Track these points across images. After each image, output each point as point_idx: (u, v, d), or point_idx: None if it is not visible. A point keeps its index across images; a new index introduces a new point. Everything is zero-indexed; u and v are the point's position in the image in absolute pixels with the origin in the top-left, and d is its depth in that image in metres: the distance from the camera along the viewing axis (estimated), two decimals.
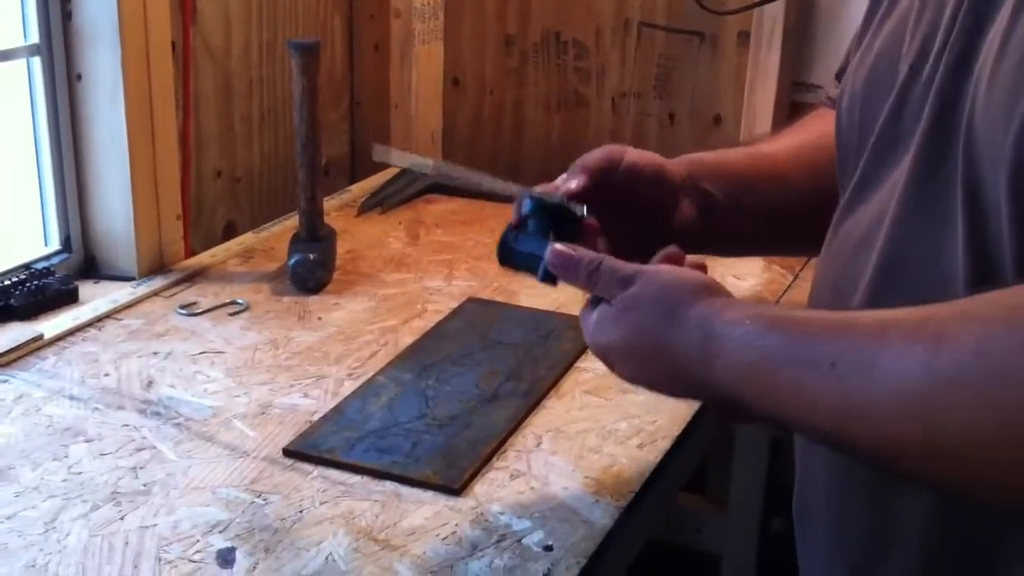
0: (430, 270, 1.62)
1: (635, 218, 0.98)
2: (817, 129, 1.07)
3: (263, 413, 1.21)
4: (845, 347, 0.66)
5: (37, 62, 1.49)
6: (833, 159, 1.04)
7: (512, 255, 0.94)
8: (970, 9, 0.74)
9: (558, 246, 0.87)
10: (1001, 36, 0.70)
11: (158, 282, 1.53)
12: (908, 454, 0.63)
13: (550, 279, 0.89)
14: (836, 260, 0.86)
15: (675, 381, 0.79)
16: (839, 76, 1.05)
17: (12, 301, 1.39)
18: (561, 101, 2.06)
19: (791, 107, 1.87)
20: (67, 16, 1.49)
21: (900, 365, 0.62)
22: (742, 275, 1.62)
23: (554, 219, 0.91)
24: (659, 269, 0.83)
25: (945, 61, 0.75)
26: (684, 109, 1.97)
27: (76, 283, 1.48)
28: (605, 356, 0.85)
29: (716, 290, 0.80)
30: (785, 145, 1.06)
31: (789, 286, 1.59)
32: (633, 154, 1.00)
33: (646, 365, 0.81)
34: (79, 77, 1.51)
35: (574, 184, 0.95)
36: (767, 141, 1.09)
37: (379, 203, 1.86)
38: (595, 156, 0.98)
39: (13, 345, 1.30)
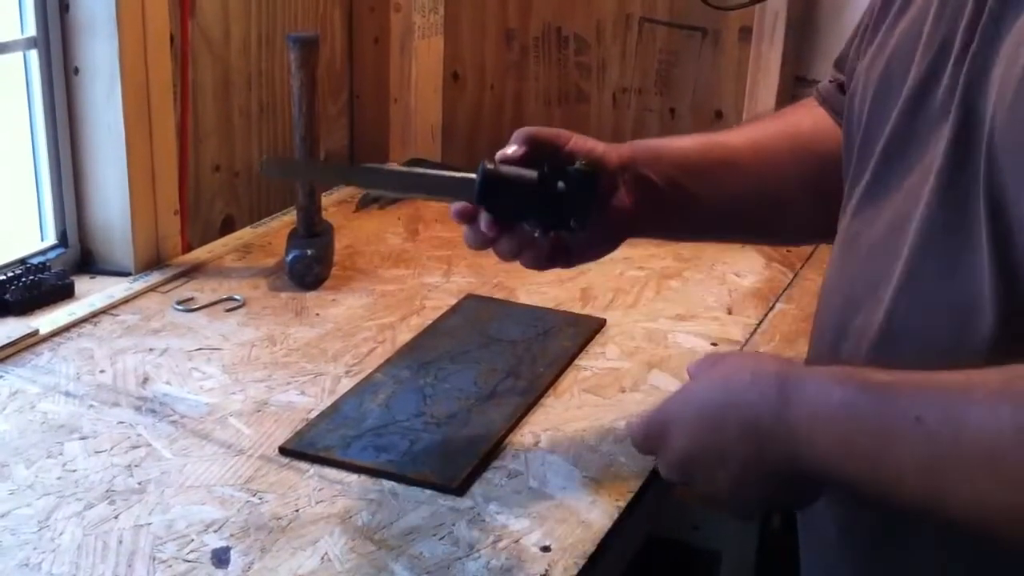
0: (429, 266, 1.61)
1: None
2: (789, 120, 1.07)
3: (259, 411, 1.20)
4: (931, 401, 0.64)
5: (34, 55, 1.48)
6: (799, 152, 1.04)
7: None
8: (991, 16, 0.73)
9: None
10: (1018, 48, 0.69)
11: (155, 277, 1.52)
12: (1000, 516, 0.62)
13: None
14: (849, 264, 0.85)
15: (741, 439, 0.74)
16: (837, 64, 1.04)
17: (7, 296, 1.38)
18: (562, 96, 2.05)
19: (793, 102, 1.86)
20: (64, 8, 1.48)
21: (989, 422, 0.61)
22: (742, 273, 1.61)
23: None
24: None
25: (967, 71, 0.74)
26: (685, 104, 1.96)
27: (72, 278, 1.47)
28: (667, 422, 0.81)
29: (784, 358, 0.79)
30: (748, 135, 1.07)
31: (790, 284, 1.58)
32: (576, 141, 1.01)
33: (714, 421, 0.76)
34: (76, 70, 1.50)
35: (510, 151, 1.00)
36: (733, 129, 1.09)
37: (378, 198, 1.85)
38: (543, 132, 1.02)
39: (7, 341, 1.29)
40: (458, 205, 1.01)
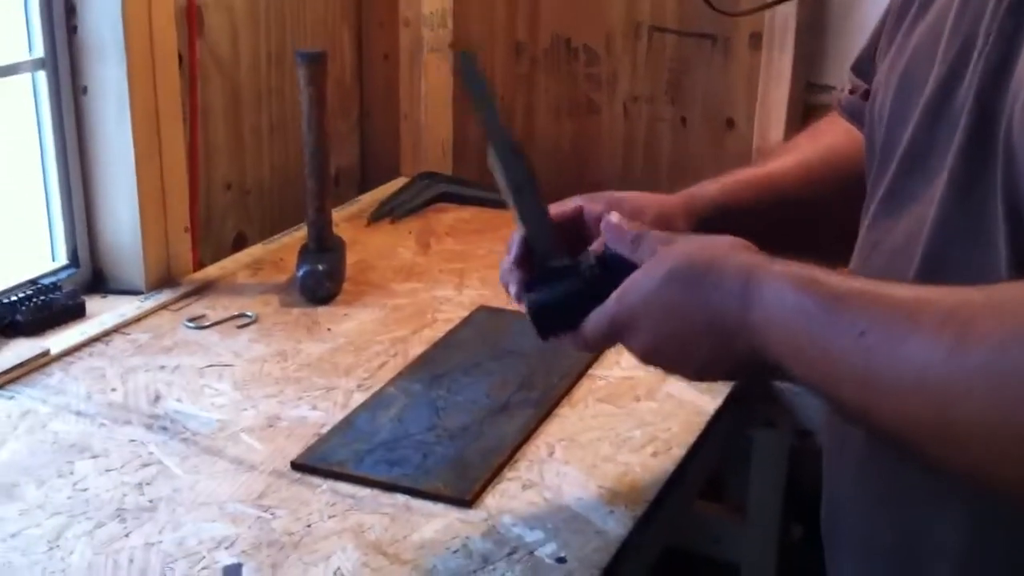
0: (440, 279, 1.60)
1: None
2: (824, 142, 1.05)
3: (271, 426, 1.19)
4: (877, 318, 0.66)
5: (42, 76, 1.48)
6: (841, 173, 1.02)
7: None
8: (1009, 14, 0.72)
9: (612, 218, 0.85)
10: None
11: (166, 295, 1.52)
12: (921, 435, 0.64)
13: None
14: (869, 269, 0.84)
15: (708, 333, 0.76)
16: (855, 69, 1.02)
17: (18, 317, 1.38)
18: (572, 107, 2.04)
19: (805, 108, 1.85)
20: (72, 30, 1.48)
21: (926, 348, 0.62)
22: None
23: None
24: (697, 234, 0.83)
25: (983, 70, 0.72)
26: (696, 113, 1.95)
27: (83, 298, 1.47)
28: (632, 317, 0.80)
29: (756, 248, 0.78)
30: (789, 163, 1.04)
31: None
32: (632, 200, 0.95)
33: (680, 315, 0.78)
34: (85, 90, 1.50)
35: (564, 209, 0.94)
36: (773, 158, 1.06)
37: (389, 212, 1.85)
38: (596, 205, 0.94)
39: (19, 361, 1.29)
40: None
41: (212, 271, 1.62)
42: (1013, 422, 0.58)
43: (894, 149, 0.82)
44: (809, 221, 1.03)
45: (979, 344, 0.60)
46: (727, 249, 0.78)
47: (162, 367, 1.32)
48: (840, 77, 1.06)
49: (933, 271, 0.75)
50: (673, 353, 0.80)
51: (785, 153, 1.06)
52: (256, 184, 1.81)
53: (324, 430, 1.17)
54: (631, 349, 0.82)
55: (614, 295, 0.81)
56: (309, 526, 1.01)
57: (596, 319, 0.83)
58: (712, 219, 0.98)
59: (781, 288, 0.72)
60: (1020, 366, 0.58)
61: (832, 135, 1.05)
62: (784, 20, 1.79)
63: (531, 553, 0.98)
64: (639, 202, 0.96)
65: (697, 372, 0.80)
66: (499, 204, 1.92)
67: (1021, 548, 0.71)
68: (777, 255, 0.82)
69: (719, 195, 1.01)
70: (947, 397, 0.61)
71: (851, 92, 1.03)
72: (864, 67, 1.00)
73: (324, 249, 1.55)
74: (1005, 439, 0.59)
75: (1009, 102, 0.69)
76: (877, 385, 0.65)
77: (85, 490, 1.07)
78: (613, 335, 0.82)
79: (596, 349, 0.88)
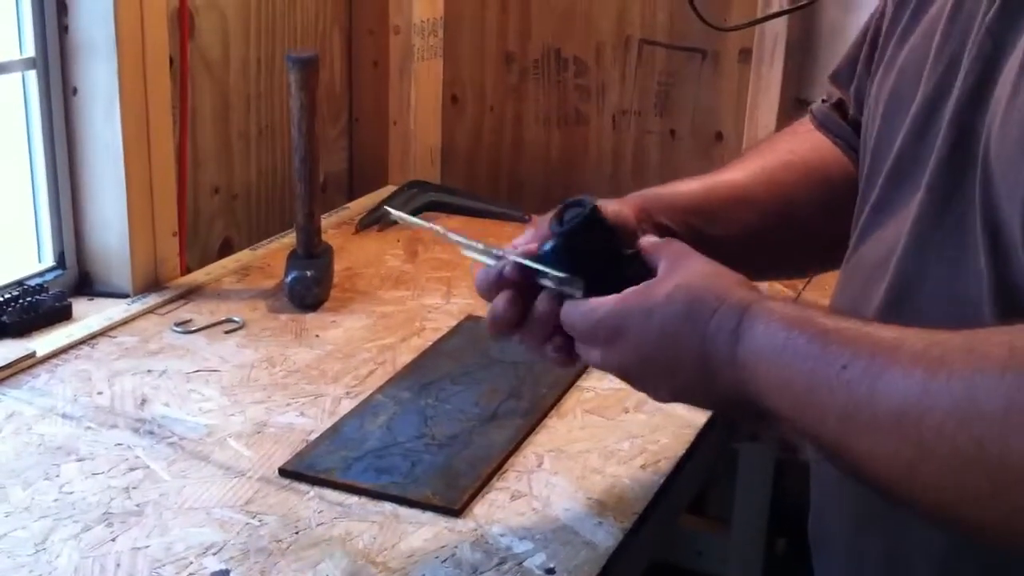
0: (428, 288, 1.60)
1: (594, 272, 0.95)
2: (784, 147, 1.04)
3: (259, 432, 1.18)
4: (858, 352, 0.67)
5: (32, 75, 1.48)
6: (801, 176, 1.02)
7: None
8: (988, 34, 0.72)
9: None
10: (1017, 68, 0.68)
11: (153, 299, 1.51)
12: (897, 472, 0.64)
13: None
14: (851, 284, 0.85)
15: (696, 360, 0.76)
16: (833, 77, 1.03)
17: (4, 318, 1.37)
18: (561, 118, 2.05)
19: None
20: (63, 30, 1.47)
21: (901, 383, 0.63)
22: None
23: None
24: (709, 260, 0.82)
25: (962, 88, 0.73)
26: (685, 126, 1.96)
27: (70, 300, 1.46)
28: (625, 325, 0.79)
29: (755, 286, 0.79)
30: (749, 169, 1.03)
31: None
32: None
33: (673, 338, 0.77)
34: (75, 91, 1.49)
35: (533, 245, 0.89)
36: (729, 166, 1.05)
37: (377, 220, 1.84)
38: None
39: (4, 363, 1.28)
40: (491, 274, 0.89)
41: (199, 276, 1.61)
42: (983, 459, 0.59)
43: (882, 164, 0.83)
44: (785, 229, 1.02)
45: (949, 382, 0.61)
46: (731, 283, 0.78)
47: (149, 371, 1.31)
48: (827, 94, 1.07)
49: (907, 284, 0.76)
50: (655, 373, 0.79)
51: (740, 162, 1.06)
52: (244, 189, 1.81)
53: (312, 437, 1.17)
54: (608, 358, 0.81)
55: (614, 298, 0.80)
56: (297, 533, 1.01)
57: (587, 312, 0.81)
58: (659, 212, 0.97)
59: (773, 324, 0.73)
60: (988, 404, 0.59)
61: (794, 142, 1.05)
62: (774, 37, 1.80)
63: (520, 564, 0.98)
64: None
65: (673, 395, 0.81)
66: (487, 214, 1.93)
67: (1003, 554, 0.71)
68: (752, 272, 0.82)
69: (667, 191, 1.00)
70: (920, 435, 0.62)
71: (824, 101, 1.04)
72: (842, 76, 1.01)
73: (313, 255, 1.55)
74: (976, 475, 0.59)
75: (988, 122, 0.70)
76: (856, 419, 0.66)
77: (71, 493, 1.06)
78: (598, 333, 0.81)
79: (575, 350, 0.85)
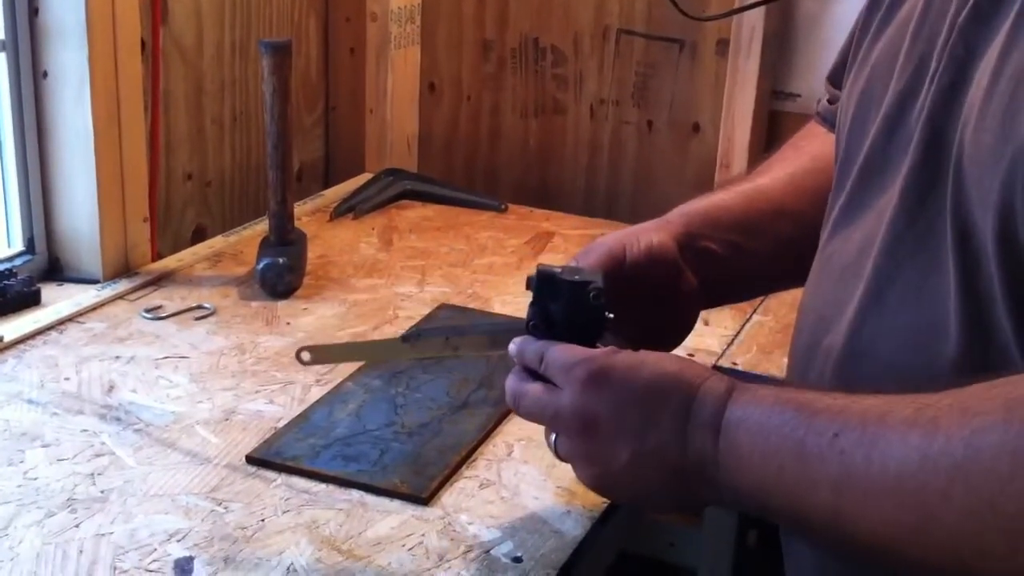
0: (402, 276, 1.59)
1: (641, 307, 0.94)
2: (808, 152, 1.04)
3: (227, 419, 1.17)
4: (849, 421, 0.66)
5: (2, 58, 1.46)
6: (827, 183, 1.02)
7: None
8: (960, 37, 0.72)
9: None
10: (991, 73, 0.68)
11: (123, 285, 1.49)
12: (901, 540, 0.63)
13: None
14: (823, 284, 0.84)
15: (673, 425, 0.75)
16: (831, 79, 1.02)
17: None
18: (539, 107, 2.04)
19: (770, 115, 1.86)
20: (34, 12, 1.46)
21: (899, 448, 0.62)
22: None
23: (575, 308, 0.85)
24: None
25: (935, 91, 0.73)
26: (663, 117, 1.95)
27: (39, 285, 1.45)
28: (602, 369, 0.78)
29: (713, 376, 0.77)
30: (779, 178, 1.03)
31: (767, 296, 1.57)
32: (635, 250, 0.94)
33: (658, 393, 0.76)
34: (45, 75, 1.47)
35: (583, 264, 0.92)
36: (761, 172, 1.05)
37: (352, 208, 1.83)
38: (597, 255, 0.93)
39: None
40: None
41: (170, 262, 1.60)
42: (996, 518, 0.58)
43: (852, 163, 0.83)
44: (803, 236, 1.02)
45: (948, 443, 0.60)
46: (709, 371, 0.77)
47: (117, 357, 1.30)
48: (804, 86, 1.06)
49: (881, 289, 0.75)
50: (626, 428, 0.77)
51: (770, 167, 1.05)
52: (217, 175, 1.79)
53: (280, 424, 1.16)
54: (578, 401, 0.79)
55: (589, 396, 0.78)
56: (263, 520, 1.00)
57: (569, 348, 0.81)
58: (702, 234, 0.97)
59: (758, 396, 0.72)
60: (994, 462, 0.58)
61: (813, 145, 1.05)
62: (751, 28, 1.79)
63: (487, 552, 0.97)
64: (623, 241, 0.94)
65: (632, 460, 0.77)
66: (463, 202, 1.92)
67: None
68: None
69: (710, 207, 1.00)
70: (924, 497, 0.61)
71: (829, 102, 1.04)
72: (838, 77, 1.00)
73: (285, 242, 1.54)
74: (991, 535, 0.58)
75: (959, 127, 0.69)
76: (853, 488, 0.65)
77: (35, 479, 1.05)
78: (575, 372, 0.79)
79: (527, 415, 0.85)
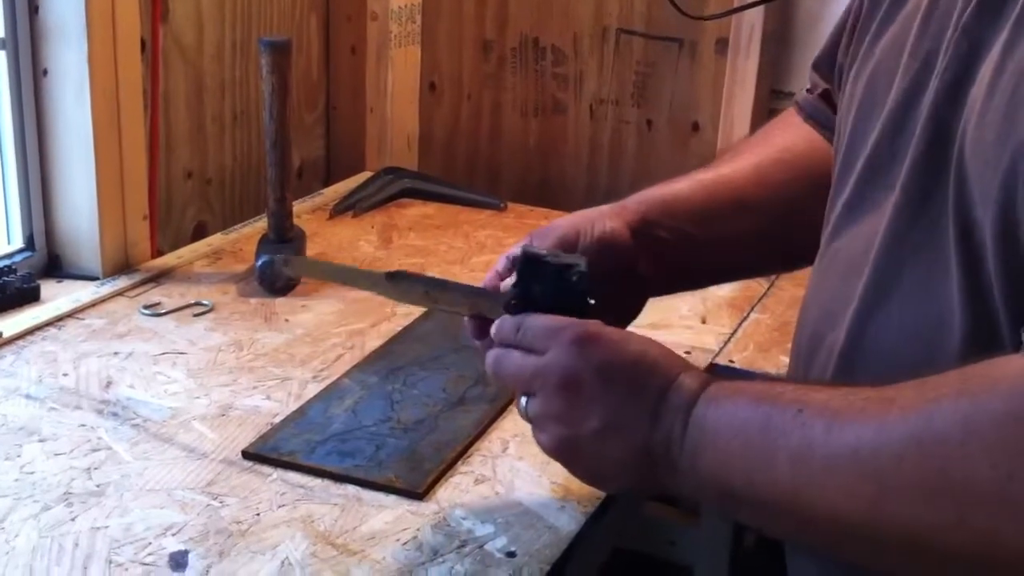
0: None
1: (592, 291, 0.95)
2: (778, 142, 1.04)
3: (223, 415, 1.18)
4: (814, 398, 0.68)
5: (2, 56, 1.47)
6: (797, 173, 1.02)
7: None
8: (965, 33, 0.72)
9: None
10: (993, 69, 0.68)
11: (122, 282, 1.50)
12: (857, 516, 0.64)
13: None
14: (827, 281, 0.84)
15: (652, 399, 0.77)
16: (816, 67, 1.02)
17: None
18: (539, 107, 2.05)
19: (769, 115, 1.85)
20: (34, 10, 1.46)
21: (858, 419, 0.64)
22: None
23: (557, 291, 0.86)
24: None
25: (938, 87, 0.73)
26: (662, 116, 1.95)
27: (38, 282, 1.45)
28: (588, 334, 0.80)
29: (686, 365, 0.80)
30: (744, 168, 1.02)
31: (764, 294, 1.57)
32: (588, 236, 0.96)
33: (645, 365, 0.78)
34: (45, 72, 1.48)
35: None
36: (724, 161, 1.05)
37: (351, 206, 1.84)
38: (550, 240, 0.95)
39: None
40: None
41: (170, 259, 1.61)
42: (946, 486, 0.59)
43: (856, 160, 0.83)
44: (779, 230, 1.02)
45: (905, 413, 0.62)
46: (682, 364, 0.80)
47: (115, 353, 1.30)
48: (803, 85, 1.06)
49: (885, 284, 0.75)
50: (603, 392, 0.78)
51: (737, 155, 1.05)
52: (217, 173, 1.80)
53: (277, 420, 1.16)
54: (558, 361, 0.80)
55: (569, 359, 0.80)
56: (258, 515, 1.01)
57: (552, 318, 0.82)
58: (657, 222, 0.98)
59: (729, 386, 0.76)
60: (946, 431, 0.60)
61: (786, 135, 1.04)
62: (750, 27, 1.80)
63: (481, 547, 0.98)
64: (577, 227, 0.96)
65: (603, 425, 0.78)
66: (463, 201, 1.92)
67: None
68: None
69: (667, 195, 1.00)
70: (882, 467, 0.62)
71: (810, 92, 1.03)
72: (824, 66, 1.00)
73: (284, 240, 1.54)
74: (942, 504, 0.60)
75: (962, 123, 0.69)
76: (813, 459, 0.66)
77: (32, 473, 1.05)
78: (560, 335, 0.81)
79: (506, 379, 0.87)
